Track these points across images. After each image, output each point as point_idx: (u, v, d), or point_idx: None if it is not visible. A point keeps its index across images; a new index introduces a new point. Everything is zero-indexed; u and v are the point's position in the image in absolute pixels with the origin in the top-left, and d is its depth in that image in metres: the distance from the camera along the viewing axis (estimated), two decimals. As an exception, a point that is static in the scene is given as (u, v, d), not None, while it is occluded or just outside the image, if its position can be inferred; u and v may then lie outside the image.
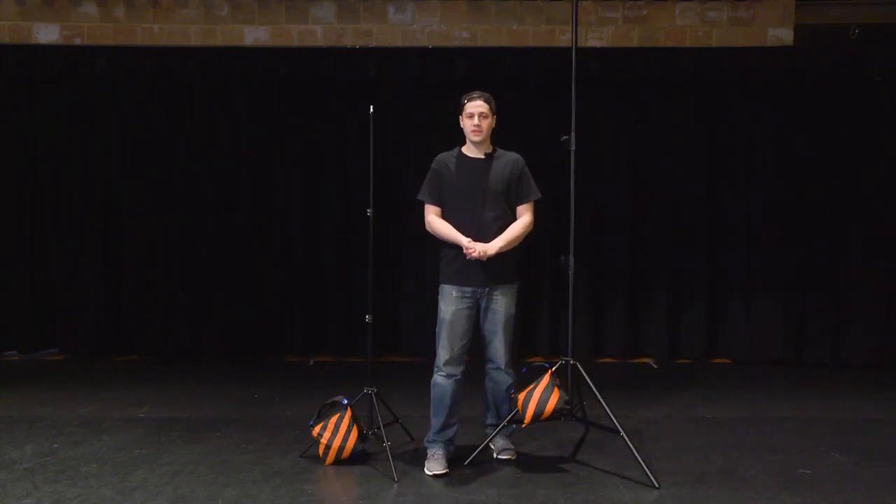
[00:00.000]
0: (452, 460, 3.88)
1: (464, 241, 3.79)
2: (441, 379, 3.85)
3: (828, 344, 6.27)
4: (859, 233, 6.19)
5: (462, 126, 3.92)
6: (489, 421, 4.08)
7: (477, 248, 3.75)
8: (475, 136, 3.85)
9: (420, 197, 3.97)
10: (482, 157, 3.90)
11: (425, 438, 3.94)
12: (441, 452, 3.84)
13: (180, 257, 6.34)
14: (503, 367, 3.91)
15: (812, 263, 6.25)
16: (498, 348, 3.89)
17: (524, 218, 3.91)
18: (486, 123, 3.84)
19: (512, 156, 3.96)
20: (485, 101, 3.85)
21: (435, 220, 3.92)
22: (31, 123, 6.35)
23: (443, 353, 3.85)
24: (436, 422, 3.87)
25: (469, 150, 3.93)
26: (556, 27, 6.11)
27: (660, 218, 6.34)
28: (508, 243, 3.82)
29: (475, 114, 3.82)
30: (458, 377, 3.84)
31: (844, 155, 6.18)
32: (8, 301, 6.37)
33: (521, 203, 3.93)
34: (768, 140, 6.26)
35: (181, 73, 6.12)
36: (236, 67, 6.11)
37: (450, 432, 3.89)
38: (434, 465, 3.78)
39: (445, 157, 3.96)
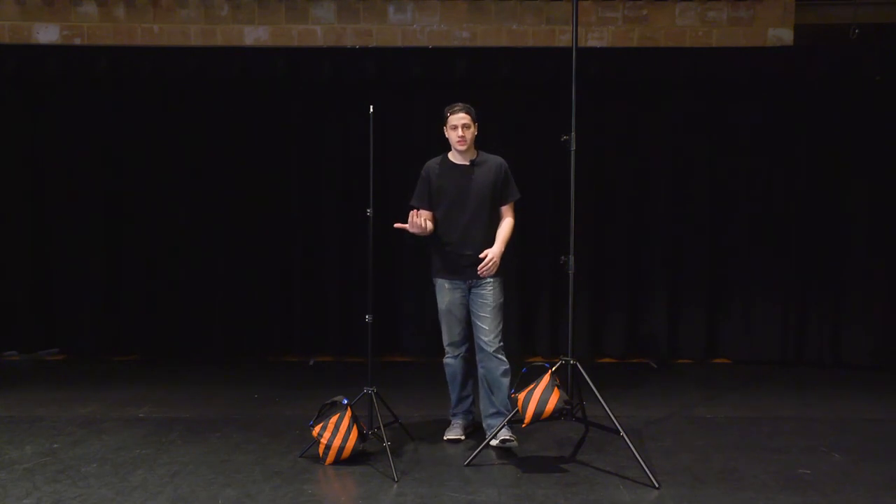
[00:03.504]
0: (452, 456, 3.95)
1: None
2: (449, 360, 4.24)
3: (828, 344, 6.27)
4: (859, 232, 6.19)
5: (447, 136, 4.15)
6: (489, 411, 4.13)
7: (487, 266, 4.02)
8: (460, 146, 4.10)
9: (412, 203, 4.20)
10: (467, 163, 4.16)
11: (449, 411, 4.36)
12: (459, 422, 4.29)
13: (180, 257, 6.34)
14: (493, 351, 4.07)
15: (812, 263, 6.25)
16: (487, 331, 4.08)
17: (508, 219, 4.20)
18: (469, 133, 4.10)
19: (496, 160, 4.20)
20: (466, 113, 4.10)
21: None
22: (31, 123, 6.34)
23: (446, 338, 4.22)
24: (453, 397, 4.31)
25: (454, 157, 4.19)
26: (556, 27, 6.11)
27: (659, 217, 6.33)
28: (504, 244, 4.13)
29: (458, 125, 4.08)
30: (464, 354, 4.23)
31: (844, 155, 6.18)
32: (8, 301, 6.37)
33: (504, 204, 4.20)
34: (768, 140, 6.25)
35: (181, 73, 6.13)
36: (236, 67, 6.11)
37: (466, 404, 4.31)
38: (450, 432, 4.25)
39: (432, 165, 4.23)
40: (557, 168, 6.01)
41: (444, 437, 4.23)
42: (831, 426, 4.60)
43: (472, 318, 4.15)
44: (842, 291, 6.23)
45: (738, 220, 6.32)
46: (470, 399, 4.32)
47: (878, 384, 5.69)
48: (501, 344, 4.11)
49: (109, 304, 6.37)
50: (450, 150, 4.20)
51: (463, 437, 4.23)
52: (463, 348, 4.22)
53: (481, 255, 4.04)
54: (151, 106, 6.30)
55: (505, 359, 4.10)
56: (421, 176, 4.22)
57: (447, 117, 4.12)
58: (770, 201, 6.27)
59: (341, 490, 3.67)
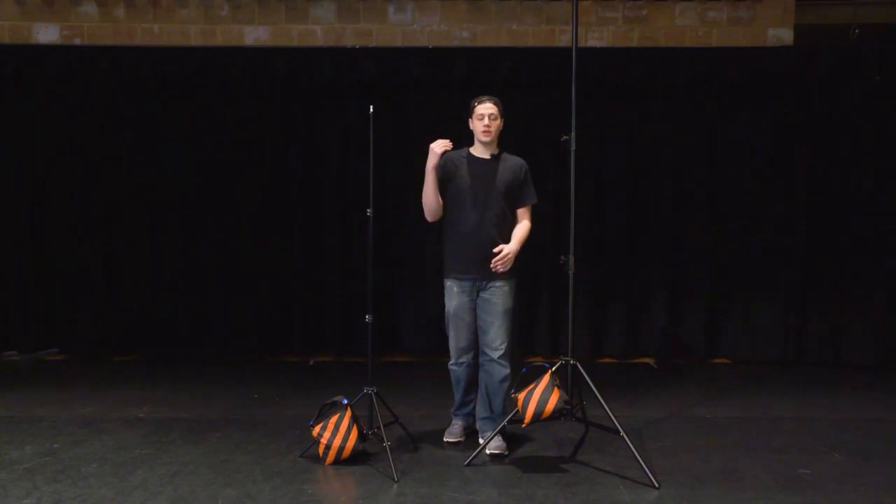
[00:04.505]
0: (452, 456, 3.95)
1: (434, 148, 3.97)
2: (454, 366, 4.17)
3: (828, 344, 6.27)
4: (859, 232, 6.19)
5: (472, 128, 4.10)
6: (483, 414, 4.13)
7: (501, 261, 3.95)
8: (485, 136, 4.04)
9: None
10: (489, 157, 4.10)
11: (451, 410, 4.32)
12: (459, 423, 4.26)
13: (180, 257, 6.34)
14: (498, 357, 4.00)
15: (812, 263, 6.25)
16: (494, 337, 4.00)
17: (526, 222, 4.14)
18: (496, 125, 4.06)
19: (517, 160, 4.15)
20: (494, 104, 4.07)
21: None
22: (31, 123, 6.34)
23: (452, 343, 4.14)
24: (457, 398, 4.26)
25: (477, 151, 4.12)
26: (556, 27, 6.11)
27: (659, 218, 6.33)
28: (520, 244, 4.07)
29: (485, 115, 4.03)
30: (470, 362, 4.14)
31: (844, 155, 6.18)
32: (8, 301, 6.37)
33: (521, 206, 4.14)
34: (768, 140, 6.25)
35: (181, 73, 6.13)
36: (236, 67, 6.11)
37: (469, 407, 4.24)
38: (449, 434, 4.23)
39: (454, 156, 4.11)
40: (557, 168, 6.02)
41: (444, 440, 4.21)
42: (831, 426, 4.61)
43: (479, 321, 4.06)
44: (842, 291, 6.23)
45: (737, 219, 6.31)
46: (473, 403, 4.25)
47: (878, 384, 5.70)
48: (506, 350, 4.02)
49: (109, 304, 6.37)
50: (471, 144, 4.14)
51: (463, 439, 4.20)
52: (469, 355, 4.12)
53: (496, 250, 3.96)
54: (151, 106, 6.29)
55: (508, 365, 4.03)
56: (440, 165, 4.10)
57: (474, 107, 4.06)
58: (770, 201, 6.27)
59: (341, 490, 3.67)
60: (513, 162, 4.13)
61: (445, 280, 4.13)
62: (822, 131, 6.20)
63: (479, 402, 4.16)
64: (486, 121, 4.02)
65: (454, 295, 4.07)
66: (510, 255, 3.97)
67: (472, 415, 4.26)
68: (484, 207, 4.01)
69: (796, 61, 6.06)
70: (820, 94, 6.17)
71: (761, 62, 6.04)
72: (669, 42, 6.12)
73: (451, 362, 4.18)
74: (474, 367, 4.14)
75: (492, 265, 3.95)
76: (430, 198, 4.05)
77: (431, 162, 3.98)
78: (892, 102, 6.09)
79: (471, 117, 4.09)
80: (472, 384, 4.19)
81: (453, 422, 4.30)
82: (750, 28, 6.11)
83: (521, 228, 4.10)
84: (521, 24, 6.12)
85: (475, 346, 4.11)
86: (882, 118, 6.12)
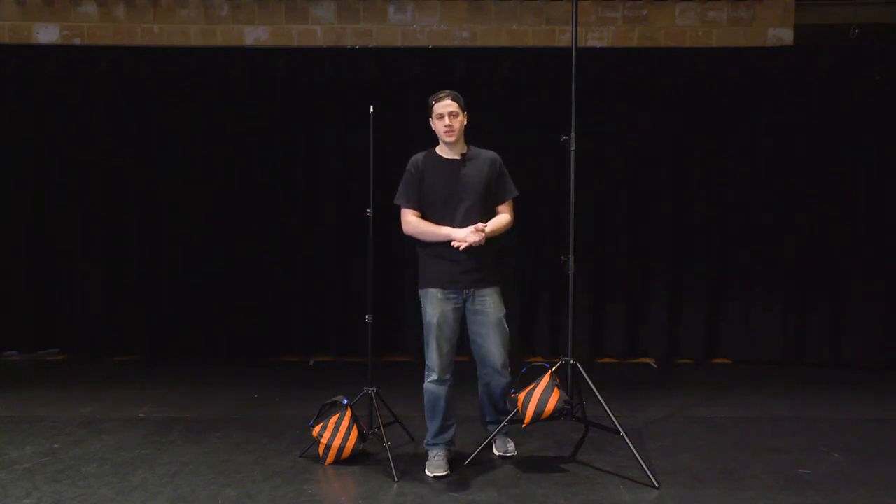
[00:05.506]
0: (453, 460, 3.87)
1: (458, 233, 3.69)
2: (433, 385, 3.77)
3: (828, 344, 6.27)
4: (859, 232, 6.19)
5: (433, 128, 3.84)
6: (489, 419, 4.06)
7: (468, 237, 3.65)
8: (448, 136, 3.76)
9: (397, 201, 3.87)
10: (458, 157, 3.83)
11: (424, 441, 3.91)
12: (442, 454, 3.81)
13: (180, 257, 6.34)
14: (500, 368, 3.82)
15: (812, 263, 6.25)
16: (492, 351, 3.79)
17: (505, 215, 3.87)
18: (458, 122, 3.76)
19: (489, 154, 3.88)
20: (453, 100, 3.77)
21: (417, 220, 3.81)
22: (31, 123, 6.34)
23: (433, 358, 3.75)
24: (433, 425, 3.83)
25: (444, 151, 3.86)
26: (556, 27, 6.11)
27: (660, 218, 6.33)
28: (493, 231, 3.77)
29: (445, 114, 3.75)
30: (450, 380, 3.78)
31: (844, 155, 6.18)
32: (8, 301, 6.37)
33: (501, 202, 3.87)
34: (768, 140, 6.25)
35: (181, 73, 6.13)
36: (236, 67, 6.12)
37: (448, 434, 3.86)
38: (435, 467, 3.76)
39: (420, 159, 3.86)
40: (557, 168, 6.02)
41: (429, 474, 3.75)
42: (831, 426, 4.61)
43: (474, 336, 3.82)
44: (842, 291, 6.23)
45: (737, 219, 6.31)
46: (453, 428, 3.86)
47: (878, 384, 5.69)
48: (506, 360, 3.82)
49: (109, 304, 6.37)
50: (437, 144, 3.88)
51: (449, 472, 3.75)
52: (450, 372, 3.76)
53: (476, 226, 3.66)
54: (151, 106, 6.29)
55: (509, 374, 3.87)
56: (408, 171, 3.84)
57: (432, 106, 3.78)
58: (770, 201, 6.26)
59: (341, 490, 3.67)
60: (485, 157, 3.84)
61: (425, 289, 3.80)
62: (822, 131, 6.20)
63: (485, 407, 4.03)
64: (446, 119, 3.72)
65: (437, 302, 3.73)
66: (483, 235, 3.66)
67: (453, 442, 3.89)
68: (463, 215, 3.73)
69: (796, 61, 6.06)
70: (820, 94, 6.16)
71: (761, 62, 6.05)
72: (669, 42, 6.13)
73: (431, 379, 3.75)
74: (454, 387, 3.81)
75: (470, 228, 3.67)
76: (426, 238, 3.80)
77: (452, 235, 3.70)
78: (892, 102, 6.10)
79: (430, 117, 3.81)
80: (452, 405, 3.81)
81: (433, 453, 3.82)
82: (750, 28, 6.11)
83: (498, 218, 3.82)
84: (521, 24, 6.12)
85: (455, 360, 3.80)
86: (882, 118, 6.13)
